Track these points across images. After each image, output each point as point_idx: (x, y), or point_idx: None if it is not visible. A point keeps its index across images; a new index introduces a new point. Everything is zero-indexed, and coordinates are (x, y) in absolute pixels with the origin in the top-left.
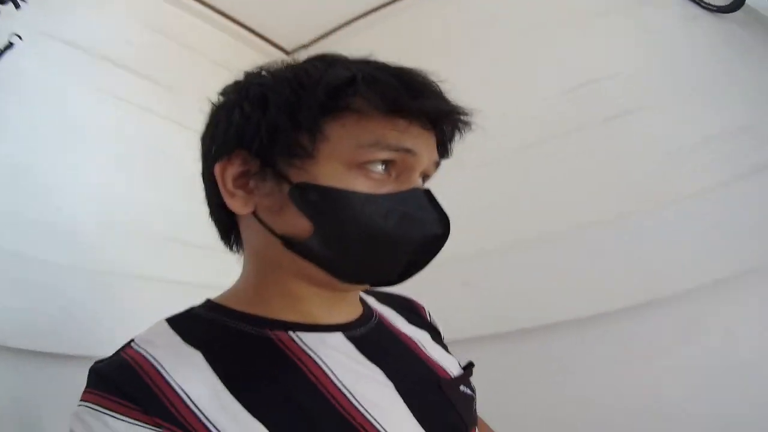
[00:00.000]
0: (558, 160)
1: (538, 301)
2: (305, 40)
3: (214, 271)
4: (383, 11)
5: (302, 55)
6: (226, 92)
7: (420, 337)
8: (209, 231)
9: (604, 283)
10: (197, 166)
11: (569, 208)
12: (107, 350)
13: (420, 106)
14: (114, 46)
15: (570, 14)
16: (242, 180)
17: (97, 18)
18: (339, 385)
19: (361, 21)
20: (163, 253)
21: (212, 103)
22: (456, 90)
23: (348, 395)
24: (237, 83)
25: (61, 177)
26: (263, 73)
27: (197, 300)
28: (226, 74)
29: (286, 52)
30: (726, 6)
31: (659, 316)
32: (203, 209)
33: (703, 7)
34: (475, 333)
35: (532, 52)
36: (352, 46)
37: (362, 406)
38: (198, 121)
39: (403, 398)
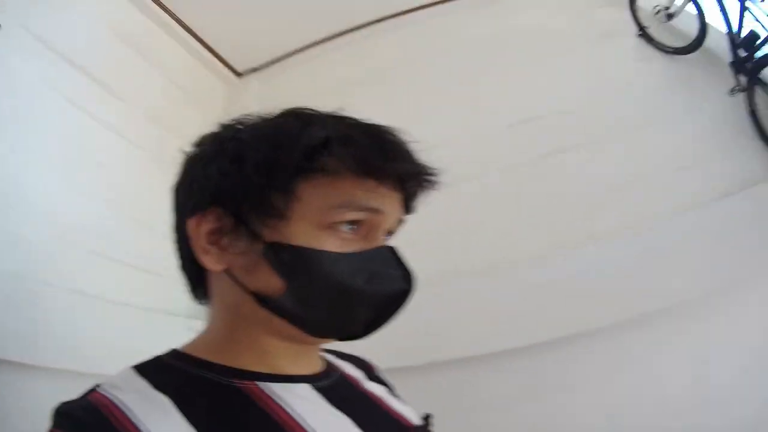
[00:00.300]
0: (490, 195)
1: (464, 333)
2: (257, 63)
3: (139, 290)
4: (334, 41)
5: (252, 79)
6: (202, 144)
7: (379, 391)
8: (139, 249)
9: (526, 316)
10: (132, 180)
11: (499, 242)
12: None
13: (391, 169)
14: (75, 45)
15: (522, 52)
16: (215, 236)
17: (65, 15)
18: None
19: (314, 49)
20: (90, 267)
21: (186, 154)
22: (393, 119)
23: None
24: (214, 135)
25: None
26: (239, 126)
27: (112, 317)
28: (174, 89)
29: (238, 74)
30: (682, 48)
31: (583, 350)
32: (134, 227)
33: (659, 49)
34: (390, 365)
35: (479, 87)
36: (302, 72)
37: None
38: (140, 133)
39: None
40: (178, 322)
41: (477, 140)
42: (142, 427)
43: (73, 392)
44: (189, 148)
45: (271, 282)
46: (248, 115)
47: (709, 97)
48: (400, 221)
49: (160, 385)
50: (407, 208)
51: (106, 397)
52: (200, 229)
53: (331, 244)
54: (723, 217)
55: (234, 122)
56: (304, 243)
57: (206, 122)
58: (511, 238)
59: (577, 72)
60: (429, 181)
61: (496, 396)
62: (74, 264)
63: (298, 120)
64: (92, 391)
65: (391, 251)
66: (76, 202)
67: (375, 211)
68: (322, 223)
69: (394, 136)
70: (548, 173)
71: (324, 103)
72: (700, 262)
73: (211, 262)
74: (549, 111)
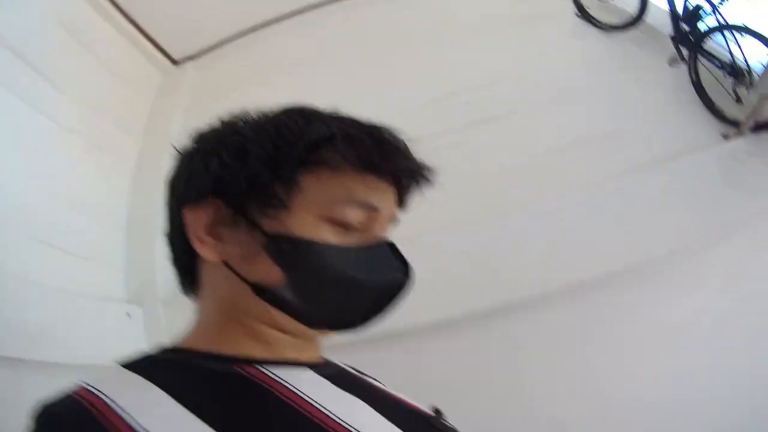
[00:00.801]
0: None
1: (413, 302)
2: (193, 51)
3: (78, 277)
4: (268, 29)
5: (188, 67)
6: (202, 139)
7: (382, 386)
8: (77, 235)
9: (447, 290)
10: (67, 166)
11: (425, 212)
12: None
13: (390, 165)
14: (9, 28)
15: (459, 27)
16: (213, 228)
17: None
18: (326, 411)
19: (249, 36)
20: (30, 253)
21: (183, 148)
22: (324, 101)
23: (338, 420)
24: (214, 130)
25: None
26: (240, 123)
27: (51, 303)
28: (109, 76)
29: (174, 62)
30: (620, 25)
31: (515, 322)
32: (71, 212)
33: (598, 27)
34: (340, 339)
35: (411, 61)
36: (238, 59)
37: (355, 429)
38: (74, 119)
39: (395, 425)
40: (117, 308)
41: (412, 114)
42: (130, 421)
43: (14, 381)
44: (191, 142)
45: (270, 273)
46: (247, 112)
47: (649, 69)
48: (395, 217)
49: (152, 377)
50: (401, 203)
51: (89, 392)
52: (198, 219)
53: (331, 236)
54: (666, 181)
55: (235, 119)
56: (304, 234)
57: (141, 109)
58: (454, 204)
59: (511, 49)
60: (425, 178)
61: (446, 366)
62: (13, 250)
63: (301, 116)
64: (76, 386)
65: (390, 245)
66: (12, 189)
67: (373, 209)
68: (323, 215)
69: (392, 134)
70: (482, 142)
71: (255, 92)
72: (641, 226)
73: (207, 251)
74: (480, 83)
